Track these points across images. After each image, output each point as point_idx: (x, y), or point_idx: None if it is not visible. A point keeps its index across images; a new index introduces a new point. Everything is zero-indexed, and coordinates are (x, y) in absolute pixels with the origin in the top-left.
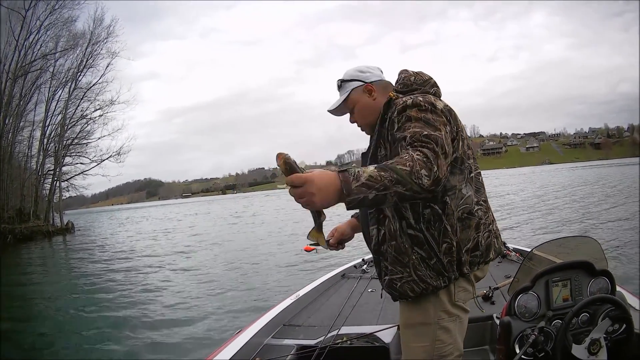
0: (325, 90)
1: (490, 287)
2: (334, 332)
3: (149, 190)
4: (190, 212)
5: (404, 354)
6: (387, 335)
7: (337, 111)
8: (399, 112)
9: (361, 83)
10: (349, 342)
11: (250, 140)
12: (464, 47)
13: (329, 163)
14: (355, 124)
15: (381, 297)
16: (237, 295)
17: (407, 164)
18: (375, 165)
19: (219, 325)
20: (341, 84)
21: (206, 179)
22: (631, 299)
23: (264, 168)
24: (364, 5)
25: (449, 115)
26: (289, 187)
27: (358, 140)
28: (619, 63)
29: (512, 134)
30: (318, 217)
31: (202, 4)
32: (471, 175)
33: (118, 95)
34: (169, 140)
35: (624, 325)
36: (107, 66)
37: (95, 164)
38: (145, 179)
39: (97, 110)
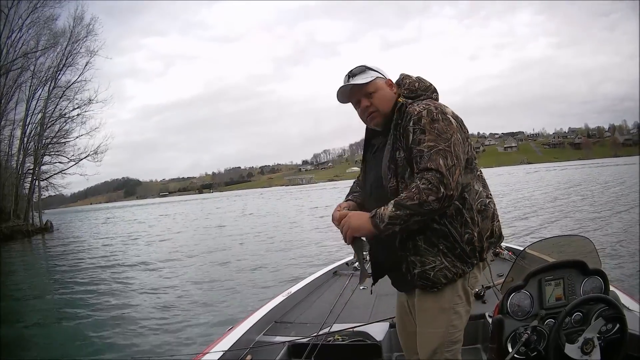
0: (305, 88)
1: (482, 286)
2: (326, 330)
3: (126, 189)
4: (169, 213)
5: (419, 340)
6: (378, 332)
7: (351, 93)
8: (414, 122)
9: (383, 76)
10: (340, 339)
11: (228, 138)
12: (446, 44)
13: (304, 162)
14: (363, 111)
15: (371, 294)
16: (229, 292)
17: (415, 197)
18: (394, 203)
19: (211, 322)
20: (365, 69)
21: (183, 177)
22: (625, 299)
23: (240, 167)
24: (346, 2)
25: (457, 120)
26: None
27: (333, 139)
28: (602, 63)
29: (490, 133)
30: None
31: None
32: (478, 173)
33: (96, 94)
34: (147, 139)
35: (618, 325)
36: (86, 65)
37: (74, 163)
38: (123, 178)
39: (75, 109)
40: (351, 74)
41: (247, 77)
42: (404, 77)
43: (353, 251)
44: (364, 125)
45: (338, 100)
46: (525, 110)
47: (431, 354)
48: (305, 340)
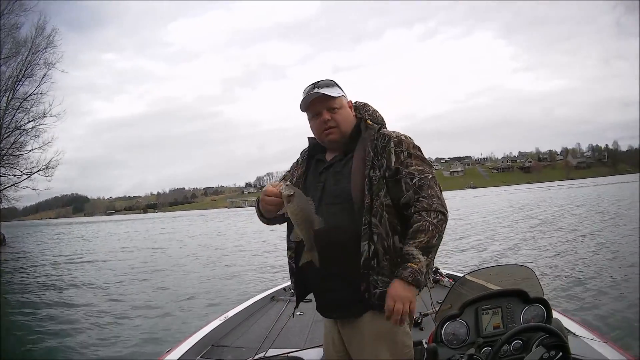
0: (252, 110)
1: (420, 313)
2: (261, 354)
3: (75, 205)
4: (115, 232)
5: None
6: (313, 358)
7: (315, 102)
8: (395, 144)
9: (345, 97)
10: None
11: (174, 158)
12: (397, 69)
13: (247, 185)
14: (321, 123)
15: (293, 317)
16: (167, 314)
17: (435, 232)
18: (419, 251)
19: (149, 344)
20: (333, 84)
21: (129, 196)
22: (570, 325)
23: (184, 188)
24: (300, 25)
25: None
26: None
27: (277, 162)
28: (559, 87)
29: (437, 158)
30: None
31: (144, 16)
32: None
33: (50, 108)
34: (97, 156)
35: (560, 353)
36: (43, 77)
37: (26, 176)
38: (72, 194)
39: (30, 121)
40: (318, 85)
41: (197, 98)
42: (364, 105)
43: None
44: (306, 144)
45: (300, 107)
46: (474, 135)
47: None
48: None
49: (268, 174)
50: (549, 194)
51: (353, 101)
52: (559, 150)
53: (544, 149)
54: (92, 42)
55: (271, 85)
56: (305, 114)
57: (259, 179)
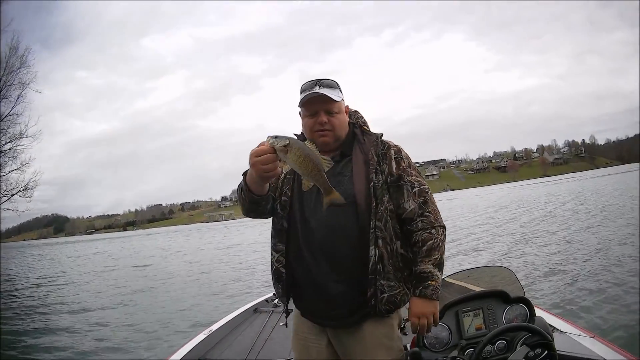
0: (225, 122)
1: (402, 318)
2: None
3: (56, 225)
4: (97, 251)
5: None
6: None
7: (314, 101)
8: (396, 152)
9: (344, 102)
10: None
11: (149, 174)
12: (367, 76)
13: (223, 198)
14: (316, 124)
15: (287, 327)
16: (151, 331)
17: (441, 245)
18: (435, 266)
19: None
20: (336, 86)
21: (108, 215)
22: (555, 321)
23: (161, 204)
24: (269, 36)
25: None
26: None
27: None
28: (530, 85)
29: None
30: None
31: (114, 31)
32: None
33: (26, 128)
34: (75, 174)
35: (546, 351)
36: (18, 97)
37: (6, 198)
38: (52, 214)
39: (7, 143)
40: (321, 84)
41: (169, 112)
42: (355, 112)
43: None
44: None
45: (299, 102)
46: (447, 138)
47: None
48: None
49: None
50: (526, 192)
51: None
52: (534, 148)
53: (519, 147)
54: (65, 60)
55: (242, 98)
56: (296, 110)
57: (234, 192)
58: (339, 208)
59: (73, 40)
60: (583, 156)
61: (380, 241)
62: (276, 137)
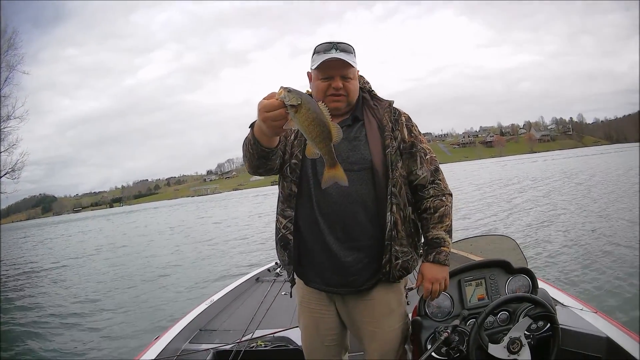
0: (213, 97)
1: (405, 287)
2: (249, 336)
3: (44, 205)
4: (88, 229)
5: (381, 344)
6: (300, 337)
7: (331, 66)
8: (407, 120)
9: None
10: (263, 345)
11: (137, 151)
12: (357, 50)
13: (209, 172)
14: (330, 89)
15: (291, 297)
16: (153, 302)
17: (451, 213)
18: (446, 232)
19: (137, 332)
20: (352, 51)
21: (95, 192)
22: (558, 295)
23: (147, 180)
24: (261, 9)
25: None
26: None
27: (238, 148)
28: (522, 62)
29: None
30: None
31: (105, 7)
32: None
33: (14, 110)
34: (62, 154)
35: (548, 324)
36: (5, 80)
37: None
38: (40, 194)
39: None
40: (337, 47)
41: (157, 89)
42: (361, 76)
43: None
44: None
45: (313, 64)
46: (434, 112)
47: (395, 354)
48: (229, 347)
49: (229, 160)
50: (523, 167)
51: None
52: (521, 124)
53: (506, 123)
54: (55, 38)
55: (232, 72)
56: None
57: (219, 165)
58: (355, 174)
59: (63, 18)
60: (570, 134)
61: (394, 207)
62: (290, 90)
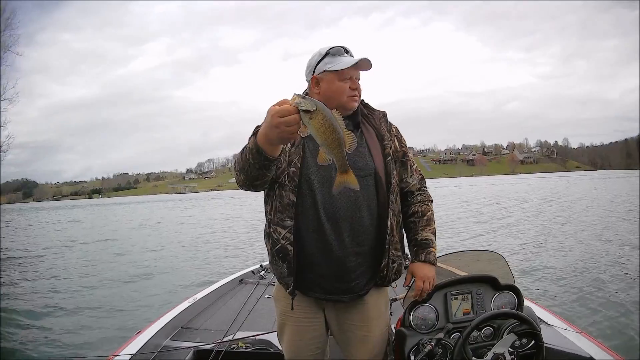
0: (200, 95)
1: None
2: (230, 337)
3: (25, 191)
4: (68, 218)
5: (370, 348)
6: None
7: (358, 67)
8: (397, 130)
9: None
10: (244, 346)
11: (120, 143)
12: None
13: (188, 171)
14: (352, 88)
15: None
16: (135, 297)
17: (434, 217)
18: (434, 235)
19: (119, 326)
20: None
21: (75, 181)
22: (543, 314)
23: (127, 173)
24: (257, 8)
25: None
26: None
27: (219, 148)
28: (513, 82)
29: None
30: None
31: None
32: None
33: (4, 91)
34: (48, 139)
35: (533, 341)
36: None
37: None
38: (22, 179)
39: None
40: (348, 51)
41: (147, 82)
42: None
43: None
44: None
45: (337, 66)
46: (418, 127)
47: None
48: (209, 346)
49: (209, 160)
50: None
51: None
52: (505, 144)
53: (489, 142)
54: (55, 21)
55: (222, 71)
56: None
57: (199, 164)
58: (361, 179)
59: (66, 1)
60: (554, 157)
61: (391, 213)
62: (304, 97)
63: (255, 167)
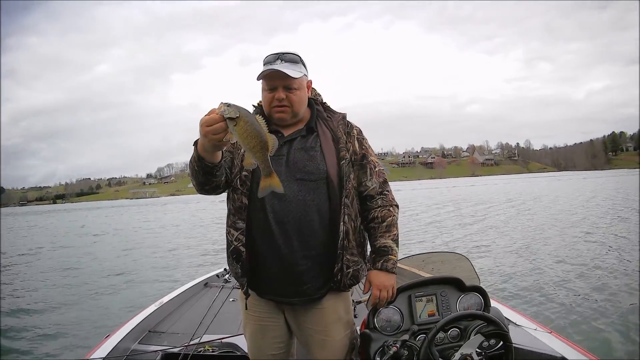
0: (161, 100)
1: (353, 300)
2: (196, 340)
3: None
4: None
5: (330, 353)
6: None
7: (273, 77)
8: (358, 132)
9: (307, 75)
10: (210, 349)
11: (83, 148)
12: (310, 61)
13: (149, 176)
14: (274, 100)
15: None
16: (102, 301)
17: (398, 224)
18: (394, 241)
19: (88, 330)
20: (298, 61)
21: (40, 187)
22: (510, 314)
23: (90, 178)
24: (217, 15)
25: None
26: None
27: (178, 153)
28: (474, 84)
29: None
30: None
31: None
32: None
33: None
34: (14, 144)
35: (501, 342)
36: None
37: None
38: None
39: None
40: (283, 58)
41: (110, 86)
42: (313, 89)
43: None
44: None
45: (259, 77)
46: (376, 131)
47: None
48: (177, 350)
49: (168, 165)
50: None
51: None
52: (465, 147)
53: (449, 145)
54: (21, 25)
55: (182, 77)
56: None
57: (159, 169)
58: (311, 183)
59: (32, 4)
60: (516, 159)
61: (346, 217)
62: (229, 105)
63: (200, 174)
